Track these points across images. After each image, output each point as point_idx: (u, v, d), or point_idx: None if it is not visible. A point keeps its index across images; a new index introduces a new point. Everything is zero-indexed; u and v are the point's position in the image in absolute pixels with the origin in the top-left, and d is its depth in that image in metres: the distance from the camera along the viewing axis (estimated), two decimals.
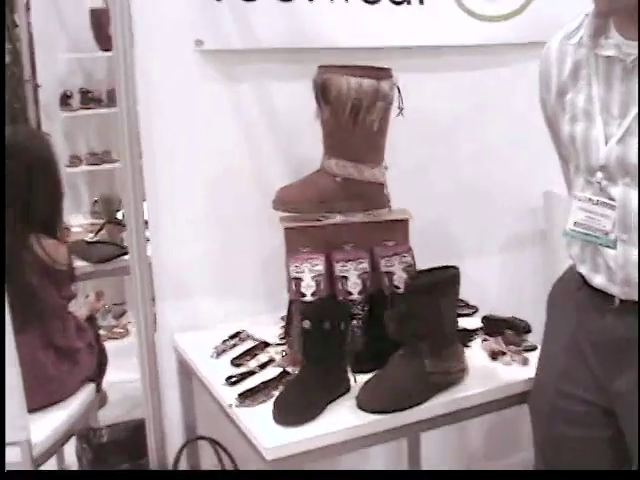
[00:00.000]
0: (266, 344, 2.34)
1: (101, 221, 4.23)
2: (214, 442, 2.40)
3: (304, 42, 2.50)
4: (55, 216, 3.05)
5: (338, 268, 2.19)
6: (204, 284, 2.55)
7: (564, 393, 1.84)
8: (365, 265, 2.21)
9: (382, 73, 2.23)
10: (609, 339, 1.74)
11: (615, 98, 1.65)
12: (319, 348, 1.96)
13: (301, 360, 2.04)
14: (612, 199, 1.66)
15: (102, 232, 4.00)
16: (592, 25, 1.67)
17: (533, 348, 2.20)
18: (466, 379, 2.06)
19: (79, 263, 3.51)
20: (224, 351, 2.31)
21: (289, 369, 2.13)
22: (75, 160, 5.17)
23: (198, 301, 2.54)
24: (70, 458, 3.09)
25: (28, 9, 4.98)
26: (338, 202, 2.28)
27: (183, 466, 2.45)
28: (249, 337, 2.39)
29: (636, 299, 1.67)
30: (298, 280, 2.17)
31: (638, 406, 1.69)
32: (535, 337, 2.24)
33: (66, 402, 2.99)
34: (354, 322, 2.15)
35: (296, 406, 1.89)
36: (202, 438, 2.45)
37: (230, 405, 1.97)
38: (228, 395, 2.02)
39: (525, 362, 2.15)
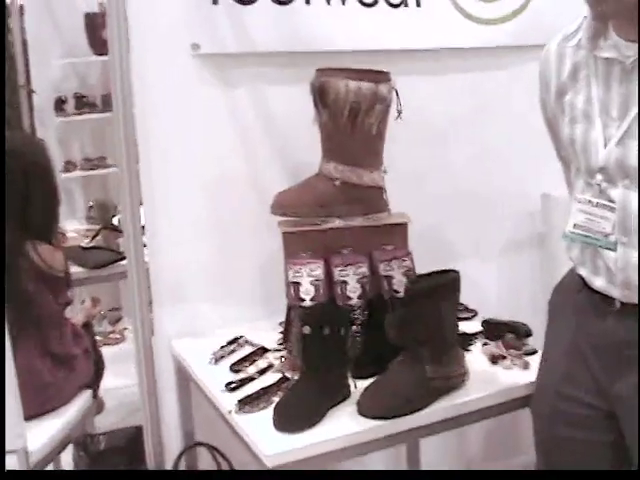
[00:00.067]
0: (265, 350, 2.32)
1: (96, 227, 4.22)
2: (212, 448, 2.39)
3: (301, 45, 2.49)
4: (51, 222, 3.03)
5: (337, 273, 2.18)
6: (202, 289, 2.54)
7: (565, 396, 1.84)
8: (364, 269, 2.20)
9: (380, 76, 2.22)
10: (610, 342, 1.73)
11: (614, 100, 1.64)
12: (319, 354, 1.95)
13: (300, 366, 2.03)
14: (612, 201, 1.66)
15: (98, 238, 3.98)
16: (591, 27, 1.67)
17: (533, 352, 2.19)
18: (467, 384, 2.05)
19: (75, 269, 3.49)
20: (222, 357, 2.29)
21: (288, 374, 2.12)
22: (70, 165, 5.14)
23: (196, 307, 2.53)
24: (67, 466, 3.08)
25: (22, 14, 4.97)
26: (337, 206, 2.27)
27: None
28: (247, 343, 2.38)
29: (636, 302, 1.66)
30: (297, 285, 2.16)
31: (638, 409, 1.68)
32: (534, 340, 2.24)
33: (63, 409, 2.97)
34: (354, 327, 2.13)
35: (296, 412, 1.88)
36: (200, 444, 2.44)
37: (229, 411, 1.96)
38: (227, 401, 2.01)
39: (526, 366, 2.14)
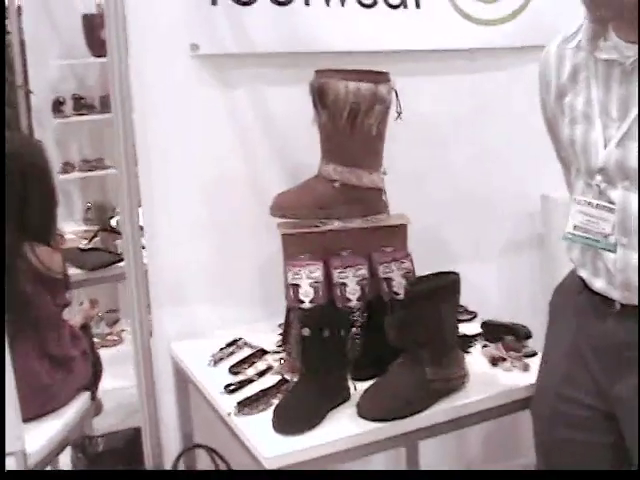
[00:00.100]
0: (264, 351, 2.31)
1: (94, 228, 4.22)
2: (211, 450, 2.38)
3: (300, 46, 2.49)
4: (49, 223, 3.02)
5: (336, 274, 2.18)
6: (200, 291, 2.53)
7: (565, 397, 1.83)
8: (364, 271, 2.20)
9: (380, 77, 2.22)
10: (610, 344, 1.73)
11: (614, 101, 1.64)
12: (318, 356, 1.94)
13: (300, 368, 2.02)
14: (611, 202, 1.65)
15: (96, 239, 3.98)
16: (590, 29, 1.67)
17: (533, 354, 2.19)
18: (467, 386, 2.04)
19: (73, 271, 3.48)
20: (221, 359, 2.28)
21: (287, 377, 2.11)
22: (68, 167, 5.13)
23: (194, 308, 2.52)
24: (65, 468, 3.07)
25: (19, 15, 4.96)
26: (336, 208, 2.27)
27: None
28: (246, 345, 2.37)
29: (636, 303, 1.66)
30: (296, 287, 2.15)
31: (638, 410, 1.68)
32: (534, 342, 2.23)
33: (61, 411, 2.96)
34: (353, 329, 2.12)
35: (296, 414, 1.87)
36: (199, 446, 2.43)
37: (229, 414, 1.95)
38: (226, 403, 2.00)
39: (526, 368, 2.13)
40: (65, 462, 2.99)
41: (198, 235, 2.49)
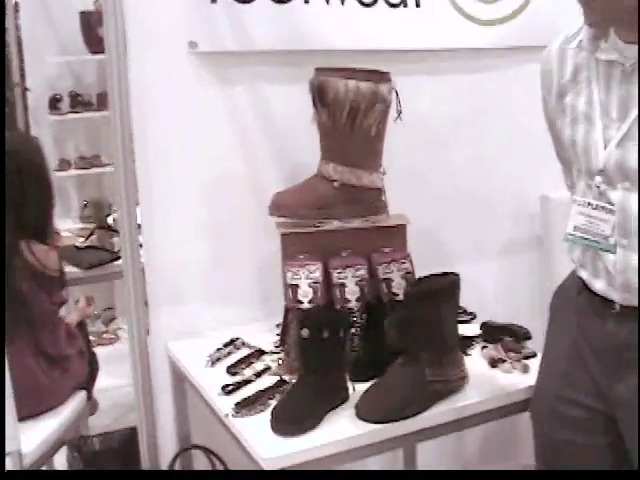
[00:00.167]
0: (261, 352, 2.30)
1: (91, 226, 4.21)
2: (208, 451, 2.37)
3: (300, 44, 2.48)
4: (46, 221, 3.01)
5: (335, 275, 2.17)
6: (198, 290, 2.52)
7: (565, 398, 1.83)
8: (363, 272, 2.18)
9: (380, 76, 2.21)
10: (609, 345, 1.72)
11: (614, 101, 1.63)
12: (317, 357, 1.93)
13: (298, 368, 2.02)
14: (611, 203, 1.65)
15: (92, 237, 3.96)
16: (590, 29, 1.66)
17: (533, 355, 2.18)
18: (466, 387, 2.03)
19: (69, 269, 3.47)
20: (219, 359, 2.27)
21: (286, 377, 2.10)
22: (64, 164, 5.13)
23: (192, 307, 2.51)
24: (61, 468, 3.06)
25: (16, 11, 4.94)
26: (335, 208, 2.26)
27: None
28: (244, 345, 2.36)
29: (636, 305, 1.65)
30: (295, 287, 2.14)
31: (638, 412, 1.67)
32: (533, 343, 2.23)
33: (57, 410, 2.95)
34: (352, 330, 2.11)
35: (294, 416, 1.86)
36: (196, 447, 2.42)
37: (226, 415, 1.94)
38: (224, 404, 1.99)
39: (525, 369, 2.12)
40: (61, 462, 2.98)
41: (196, 233, 2.48)
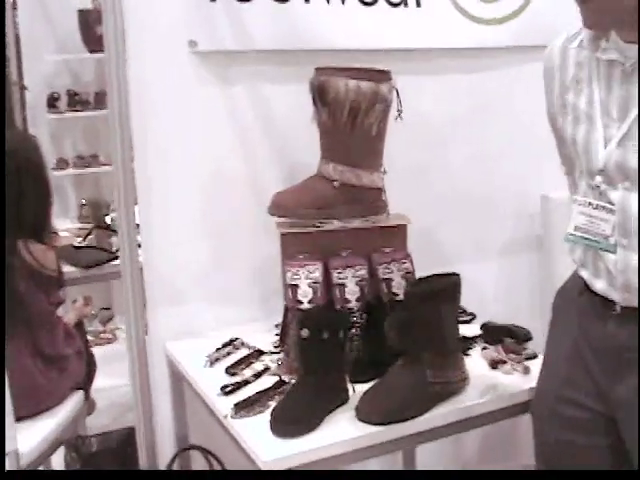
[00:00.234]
0: (261, 352, 2.30)
1: (88, 225, 4.20)
2: (206, 452, 2.36)
3: (300, 44, 2.47)
4: (44, 221, 3.00)
5: (335, 275, 2.15)
6: (197, 290, 2.51)
7: (565, 399, 1.82)
8: (363, 272, 2.17)
9: (381, 75, 2.20)
10: (610, 346, 1.72)
11: (614, 101, 1.63)
12: (317, 357, 1.92)
13: (298, 369, 2.01)
14: (612, 203, 1.64)
15: (90, 237, 3.96)
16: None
17: (534, 356, 2.17)
18: (467, 389, 2.02)
19: (67, 268, 3.46)
20: (218, 359, 2.26)
21: (285, 378, 2.09)
22: (62, 163, 5.11)
23: (190, 307, 2.50)
24: (58, 468, 3.05)
25: (14, 9, 4.92)
26: (335, 208, 2.25)
27: None
28: (243, 345, 2.35)
29: (637, 305, 1.65)
30: (294, 287, 2.13)
31: (638, 413, 1.67)
32: (533, 344, 2.23)
33: (54, 410, 2.95)
34: (352, 330, 2.10)
35: (294, 417, 1.85)
36: (194, 448, 2.41)
37: (225, 416, 1.93)
38: (223, 405, 1.98)
39: (526, 371, 2.11)
40: (58, 462, 2.97)
41: (195, 233, 2.47)
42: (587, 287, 1.77)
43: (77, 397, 3.08)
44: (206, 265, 2.50)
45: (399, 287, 2.17)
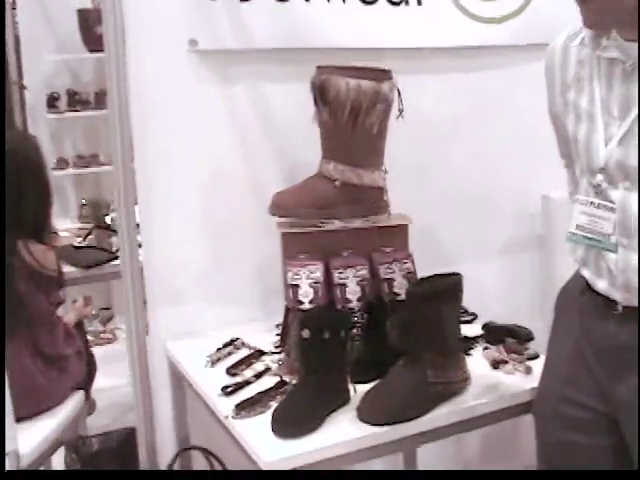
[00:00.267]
0: (261, 352, 2.29)
1: (89, 225, 4.20)
2: (207, 452, 2.35)
3: (300, 42, 2.46)
4: (44, 221, 2.99)
5: (336, 275, 2.15)
6: (197, 290, 2.50)
7: (567, 399, 1.82)
8: (364, 272, 2.17)
9: (382, 74, 2.19)
10: (611, 346, 1.72)
11: (615, 100, 1.63)
12: (318, 358, 1.91)
13: (299, 369, 2.00)
14: (613, 202, 1.64)
15: (90, 237, 3.95)
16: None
17: (535, 356, 2.17)
18: (469, 389, 2.02)
19: (67, 268, 3.45)
20: (219, 359, 2.26)
21: (286, 378, 2.08)
22: (62, 163, 5.11)
23: (191, 307, 2.49)
24: (58, 469, 3.03)
25: (13, 9, 4.92)
26: (337, 207, 2.24)
27: None
28: (244, 345, 2.34)
29: (637, 305, 1.64)
30: (295, 287, 2.12)
31: (639, 412, 1.67)
32: (534, 344, 2.22)
33: (54, 411, 2.94)
34: (353, 330, 2.10)
35: (295, 418, 1.84)
36: (195, 448, 2.40)
37: (226, 416, 1.92)
38: (224, 406, 1.97)
39: (528, 371, 2.11)
40: (58, 462, 2.96)
41: (195, 233, 2.47)
42: (589, 287, 1.77)
43: (77, 397, 3.07)
44: (206, 265, 2.49)
45: (400, 287, 2.16)
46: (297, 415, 1.85)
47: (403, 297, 2.12)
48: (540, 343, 2.04)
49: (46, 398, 2.91)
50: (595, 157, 1.66)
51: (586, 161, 1.70)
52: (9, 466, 2.47)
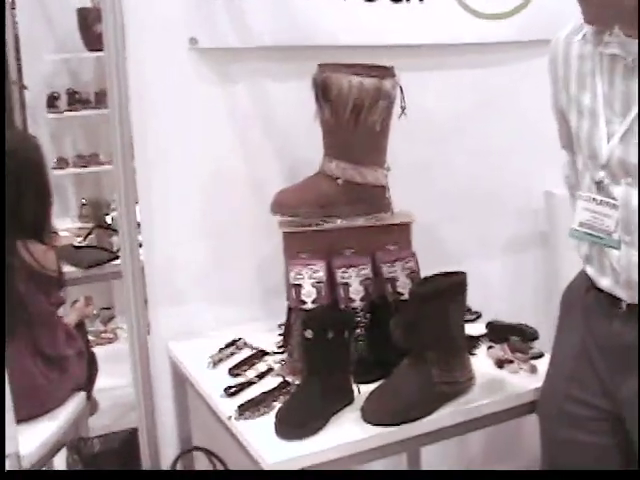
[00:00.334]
0: (264, 352, 2.28)
1: (89, 225, 4.19)
2: (210, 453, 2.34)
3: (301, 40, 2.45)
4: (43, 221, 2.99)
5: (339, 274, 2.14)
6: (198, 290, 2.50)
7: (572, 398, 1.82)
8: (367, 271, 2.16)
9: (384, 72, 2.18)
10: (616, 344, 1.71)
11: (617, 96, 1.62)
12: (322, 358, 1.90)
13: (302, 370, 1.99)
14: (615, 199, 1.64)
15: (91, 236, 3.94)
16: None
17: (540, 355, 2.15)
18: (473, 388, 2.00)
19: (67, 268, 3.44)
20: (221, 360, 2.25)
21: (289, 379, 2.07)
22: (62, 163, 5.11)
23: (192, 307, 2.49)
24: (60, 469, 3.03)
25: (13, 8, 4.91)
26: (339, 206, 2.23)
27: None
28: (246, 345, 2.34)
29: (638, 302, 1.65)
30: (298, 287, 2.11)
31: (638, 410, 1.67)
32: (538, 342, 2.21)
33: (56, 412, 2.93)
34: (357, 330, 2.08)
35: (299, 419, 1.83)
36: (198, 449, 2.39)
37: (229, 417, 1.91)
38: (227, 407, 1.96)
39: (533, 370, 2.09)
40: (60, 464, 2.95)
41: (197, 232, 2.46)
42: (593, 285, 1.76)
43: (78, 398, 3.07)
44: (207, 264, 2.49)
45: (404, 286, 2.15)
46: (301, 416, 1.84)
47: (407, 296, 2.11)
48: (544, 341, 2.03)
49: (47, 399, 2.90)
50: (598, 154, 1.66)
51: (589, 157, 1.69)
52: (10, 467, 2.46)
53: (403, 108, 2.23)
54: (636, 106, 1.57)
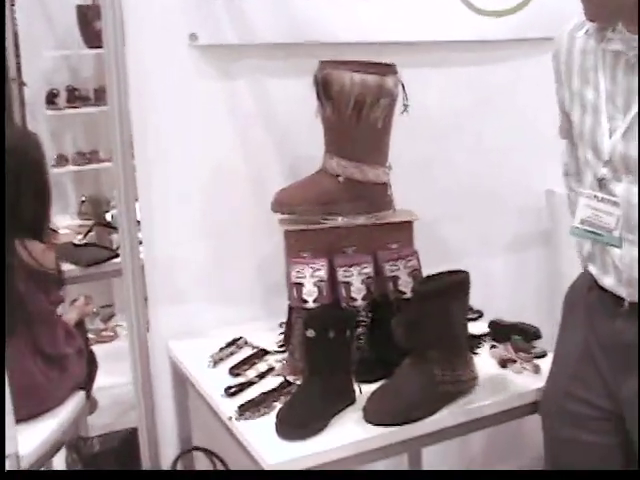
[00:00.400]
0: (265, 352, 2.27)
1: (89, 222, 4.18)
2: (210, 453, 2.33)
3: (302, 37, 2.44)
4: (43, 219, 2.97)
5: (341, 273, 2.12)
6: (199, 288, 2.49)
7: (575, 397, 1.82)
8: (369, 270, 2.15)
9: (386, 69, 2.17)
10: (618, 343, 1.71)
11: (619, 92, 1.62)
12: (323, 357, 1.89)
13: (303, 370, 1.98)
14: (616, 196, 1.64)
15: (90, 234, 3.93)
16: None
17: (543, 355, 2.14)
18: (476, 388, 1.99)
19: (67, 267, 3.43)
20: (221, 359, 2.24)
21: (290, 378, 2.06)
22: (61, 160, 5.10)
23: (193, 306, 2.48)
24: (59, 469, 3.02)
25: (12, 5, 4.90)
26: (340, 204, 2.22)
27: None
28: (247, 344, 2.33)
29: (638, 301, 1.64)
30: (299, 286, 2.10)
31: (638, 409, 1.67)
32: (540, 341, 2.20)
33: (55, 411, 2.91)
34: (358, 329, 2.07)
35: (300, 419, 1.82)
36: (198, 449, 2.38)
37: (230, 418, 1.90)
38: (227, 407, 1.95)
39: (536, 370, 2.09)
40: (59, 464, 2.94)
41: (197, 230, 2.45)
42: (596, 283, 1.76)
43: (78, 397, 3.05)
44: (208, 262, 2.48)
45: (406, 285, 2.14)
46: (302, 417, 1.83)
47: (409, 295, 2.10)
48: (546, 340, 2.02)
49: (47, 398, 2.88)
50: (600, 150, 1.65)
51: (591, 153, 1.69)
52: (9, 467, 2.45)
53: (406, 105, 2.21)
54: (636, 104, 1.57)
